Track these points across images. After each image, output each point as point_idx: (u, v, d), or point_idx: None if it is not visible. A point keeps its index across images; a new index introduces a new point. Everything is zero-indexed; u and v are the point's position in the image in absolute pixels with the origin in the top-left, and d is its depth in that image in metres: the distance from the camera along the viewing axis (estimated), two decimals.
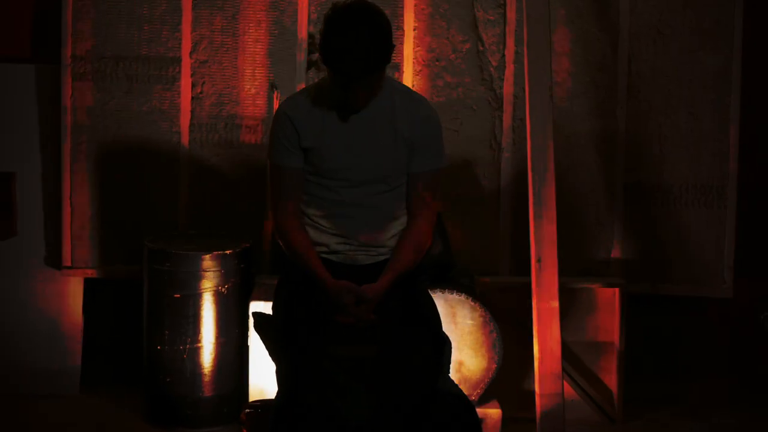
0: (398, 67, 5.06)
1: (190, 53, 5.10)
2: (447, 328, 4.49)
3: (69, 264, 5.14)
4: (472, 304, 4.67)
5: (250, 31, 5.10)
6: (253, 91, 5.11)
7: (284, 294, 3.89)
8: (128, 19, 5.07)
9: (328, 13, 3.67)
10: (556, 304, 4.59)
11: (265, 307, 4.55)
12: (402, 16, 5.07)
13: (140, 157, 5.12)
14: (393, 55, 4.93)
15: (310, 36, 5.04)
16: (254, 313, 3.96)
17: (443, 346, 3.75)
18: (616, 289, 4.97)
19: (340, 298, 3.71)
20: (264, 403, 4.29)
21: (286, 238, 3.85)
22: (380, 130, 3.81)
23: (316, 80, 4.51)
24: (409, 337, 3.68)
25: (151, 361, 4.87)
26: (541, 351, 4.58)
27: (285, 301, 3.86)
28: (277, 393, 3.68)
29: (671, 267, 5.15)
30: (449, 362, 3.77)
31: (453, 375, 4.52)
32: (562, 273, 4.65)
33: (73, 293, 5.18)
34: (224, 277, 4.79)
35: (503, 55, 5.10)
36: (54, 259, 5.17)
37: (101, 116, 5.10)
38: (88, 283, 5.20)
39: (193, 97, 5.11)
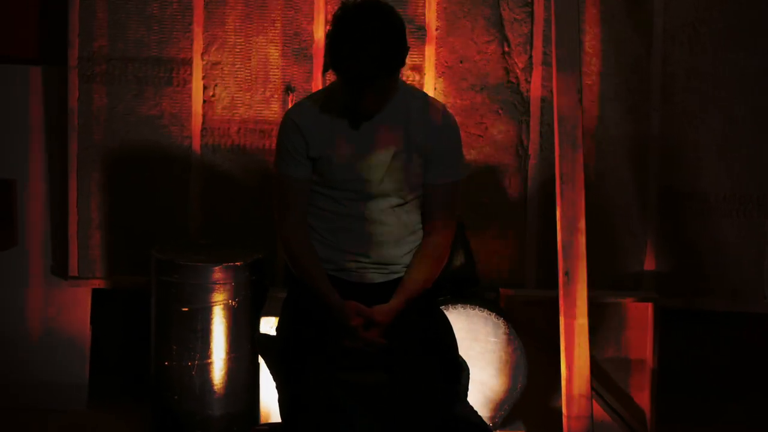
0: (420, 69, 4.97)
1: (202, 54, 5.01)
2: (469, 345, 4.50)
3: (75, 274, 5.06)
4: (496, 320, 4.58)
5: (265, 31, 4.99)
6: (268, 94, 5.01)
7: (289, 313, 3.73)
8: (137, 19, 4.99)
9: (336, 12, 3.50)
10: (585, 320, 4.48)
11: (276, 322, 4.39)
12: (424, 15, 4.97)
13: (149, 162, 5.04)
14: (414, 56, 4.83)
15: (327, 36, 4.88)
16: (259, 335, 3.78)
17: (460, 372, 3.59)
18: (649, 304, 4.86)
19: (347, 321, 3.53)
20: (272, 427, 4.13)
21: (291, 254, 3.69)
22: (394, 138, 3.61)
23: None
24: (422, 363, 3.51)
25: (159, 377, 4.74)
26: (569, 371, 4.48)
27: (290, 321, 3.70)
28: (282, 422, 3.48)
29: (707, 280, 5.04)
30: (467, 389, 3.62)
31: (475, 396, 4.47)
32: (591, 286, 4.55)
33: (80, 304, 5.10)
34: (235, 290, 4.64)
35: (530, 56, 4.99)
36: (60, 269, 5.10)
37: (109, 120, 5.02)
38: (97, 294, 5.13)
39: (204, 101, 5.02)
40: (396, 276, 3.67)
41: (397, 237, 3.66)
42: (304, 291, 3.66)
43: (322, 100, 3.66)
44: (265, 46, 4.97)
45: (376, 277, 3.66)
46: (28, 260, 5.08)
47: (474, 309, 4.54)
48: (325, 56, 4.88)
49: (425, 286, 3.66)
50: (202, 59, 4.98)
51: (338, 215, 3.64)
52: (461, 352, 3.73)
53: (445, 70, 4.98)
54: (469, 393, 3.71)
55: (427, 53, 4.96)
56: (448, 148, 3.66)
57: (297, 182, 3.64)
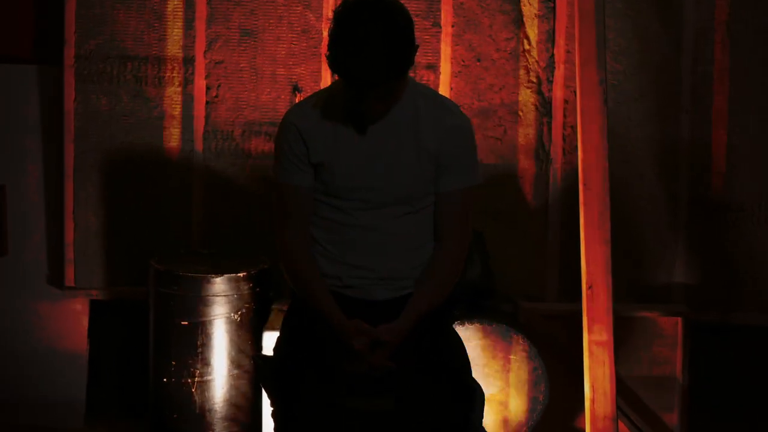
0: (434, 68, 4.90)
1: (205, 53, 4.93)
2: (486, 363, 4.45)
3: (72, 284, 5.00)
4: (514, 336, 4.53)
5: (271, 27, 4.93)
6: (274, 94, 4.93)
7: (289, 332, 3.53)
8: (137, 15, 4.93)
9: (337, 8, 3.29)
10: (610, 336, 4.32)
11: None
12: (439, 10, 4.91)
13: (149, 167, 4.97)
14: (429, 54, 4.68)
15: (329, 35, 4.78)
16: (255, 356, 3.58)
17: (472, 397, 3.39)
18: (679, 318, 4.81)
19: (351, 342, 3.33)
20: None
21: (290, 268, 3.48)
22: (402, 142, 3.42)
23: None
24: (432, 387, 3.33)
25: (157, 394, 4.67)
26: (592, 390, 4.31)
27: (289, 341, 3.50)
28: None
29: (741, 293, 4.97)
30: (481, 414, 3.46)
31: (492, 417, 4.47)
32: (617, 299, 4.42)
33: (77, 316, 5.05)
34: (237, 302, 4.57)
35: (552, 55, 4.92)
36: (57, 279, 5.04)
37: (107, 122, 4.95)
38: (94, 305, 5.06)
39: (207, 102, 4.95)
40: (405, 292, 3.46)
41: (407, 249, 3.46)
42: (305, 307, 3.48)
43: (324, 101, 3.46)
44: (272, 43, 4.91)
45: (384, 293, 3.46)
46: (22, 270, 5.01)
47: (491, 324, 4.48)
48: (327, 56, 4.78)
49: (437, 303, 3.46)
50: (205, 58, 4.92)
51: (343, 226, 3.44)
52: (477, 371, 3.59)
53: (461, 69, 4.89)
54: (486, 414, 3.59)
55: (442, 51, 4.89)
56: (461, 151, 3.46)
57: (298, 190, 3.45)
